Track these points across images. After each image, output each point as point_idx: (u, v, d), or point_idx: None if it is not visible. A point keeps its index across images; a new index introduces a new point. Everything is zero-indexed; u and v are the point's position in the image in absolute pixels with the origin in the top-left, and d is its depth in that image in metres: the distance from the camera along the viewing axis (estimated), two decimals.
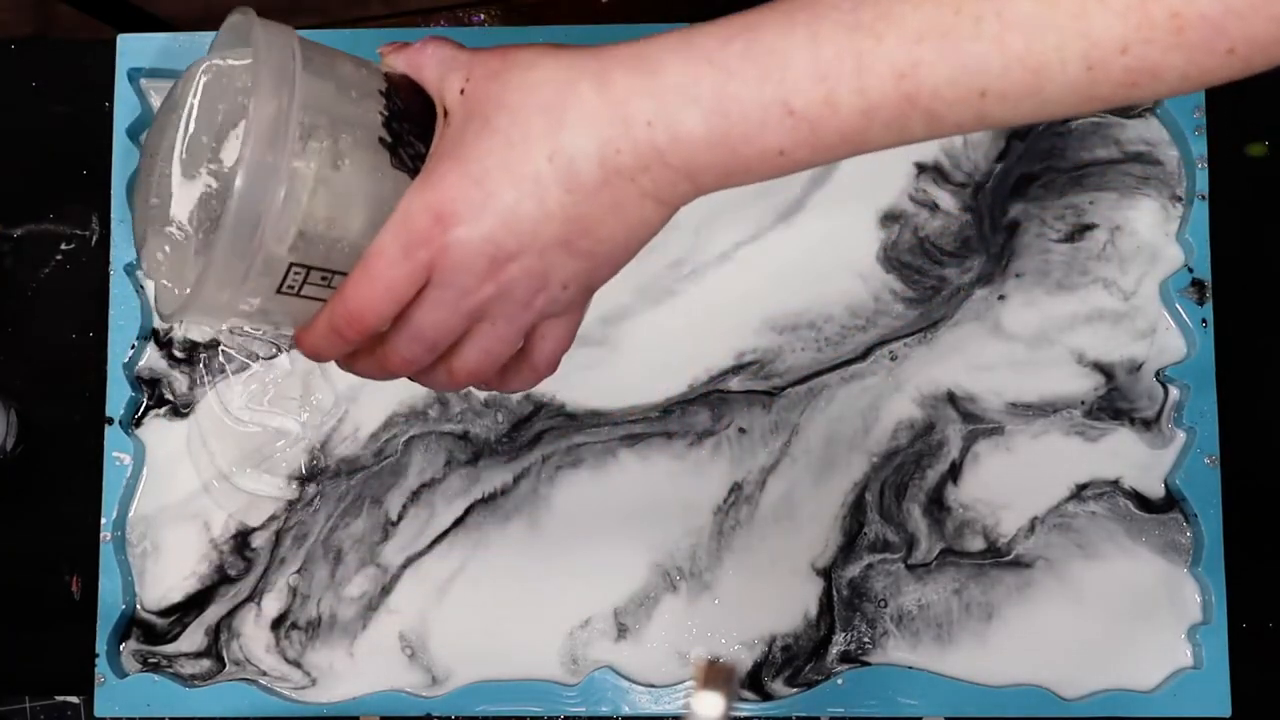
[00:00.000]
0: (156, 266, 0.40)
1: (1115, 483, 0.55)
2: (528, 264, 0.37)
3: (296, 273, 0.38)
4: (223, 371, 0.57)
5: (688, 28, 0.37)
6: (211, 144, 0.39)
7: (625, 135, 0.36)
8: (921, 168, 0.57)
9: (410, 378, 0.41)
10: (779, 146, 0.35)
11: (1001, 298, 0.56)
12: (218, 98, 0.40)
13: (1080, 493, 0.55)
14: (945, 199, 0.57)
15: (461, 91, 0.38)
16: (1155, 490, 0.55)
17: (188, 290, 0.38)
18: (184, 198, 0.40)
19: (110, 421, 0.56)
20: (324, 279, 0.38)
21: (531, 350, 0.41)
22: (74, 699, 0.57)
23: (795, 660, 0.55)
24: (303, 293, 0.38)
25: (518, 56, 0.38)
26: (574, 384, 0.56)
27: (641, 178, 0.36)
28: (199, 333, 0.57)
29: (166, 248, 0.40)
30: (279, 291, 0.38)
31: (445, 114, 0.38)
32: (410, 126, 0.39)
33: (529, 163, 0.36)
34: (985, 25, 0.33)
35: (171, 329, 0.57)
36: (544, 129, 0.36)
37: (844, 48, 0.34)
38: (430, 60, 0.39)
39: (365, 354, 0.40)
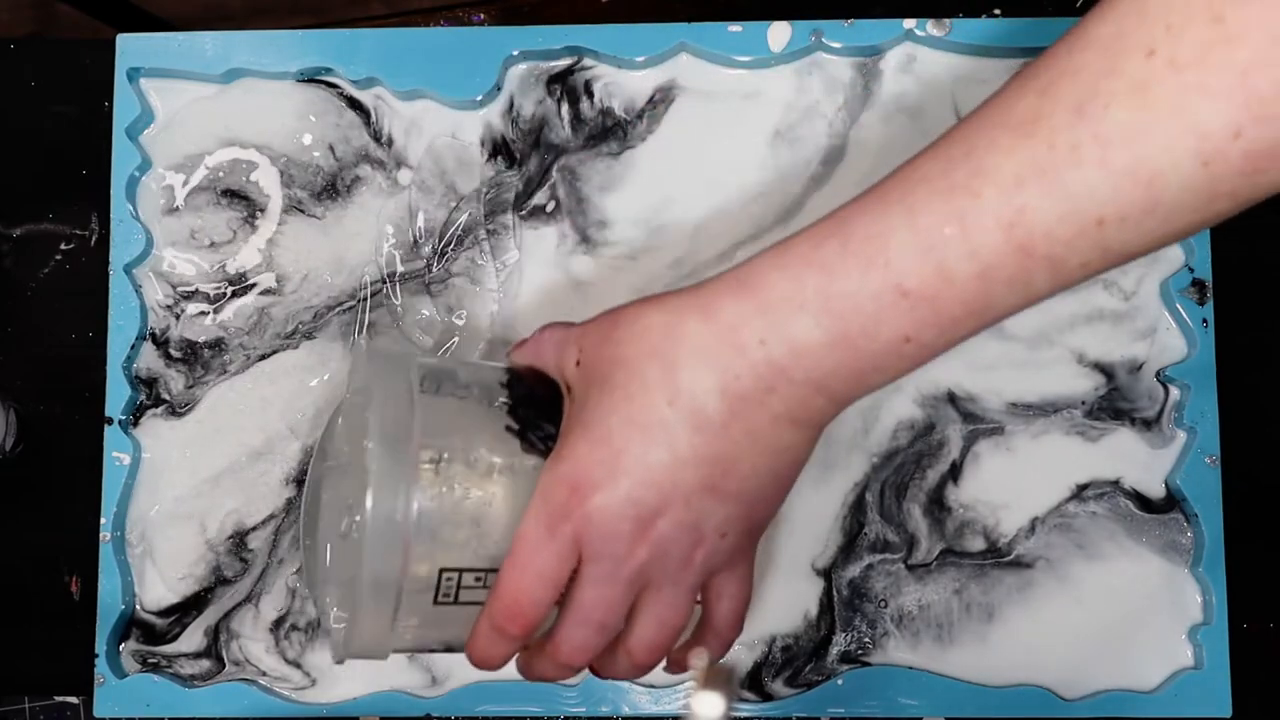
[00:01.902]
0: (331, 616, 0.41)
1: (1116, 483, 0.55)
2: (676, 517, 0.36)
3: (449, 578, 0.38)
4: (223, 371, 0.57)
5: (781, 241, 0.35)
6: (353, 482, 0.40)
7: (741, 360, 0.34)
8: None
9: (593, 671, 0.40)
10: (903, 334, 0.34)
11: None
12: (350, 435, 0.41)
13: (1080, 493, 0.55)
14: None
15: (578, 363, 0.38)
16: (1156, 490, 0.55)
17: (348, 624, 0.39)
18: (336, 538, 0.41)
19: (110, 421, 0.56)
20: (478, 579, 0.38)
21: (711, 614, 0.39)
22: (74, 699, 0.57)
23: (795, 660, 0.55)
24: (460, 599, 0.38)
25: (623, 314, 0.37)
26: None
27: (769, 400, 0.35)
28: (197, 332, 0.57)
29: (332, 593, 0.41)
30: (436, 603, 0.38)
31: (569, 390, 0.38)
32: (537, 411, 0.39)
33: (651, 411, 0.35)
34: (1084, 151, 0.31)
35: (169, 326, 0.57)
36: (659, 374, 0.35)
37: (943, 214, 0.32)
38: (547, 345, 0.40)
39: (538, 652, 0.39)
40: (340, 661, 0.40)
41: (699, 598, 0.39)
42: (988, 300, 0.33)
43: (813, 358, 0.34)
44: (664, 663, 0.41)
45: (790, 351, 0.34)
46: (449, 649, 0.41)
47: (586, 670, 0.54)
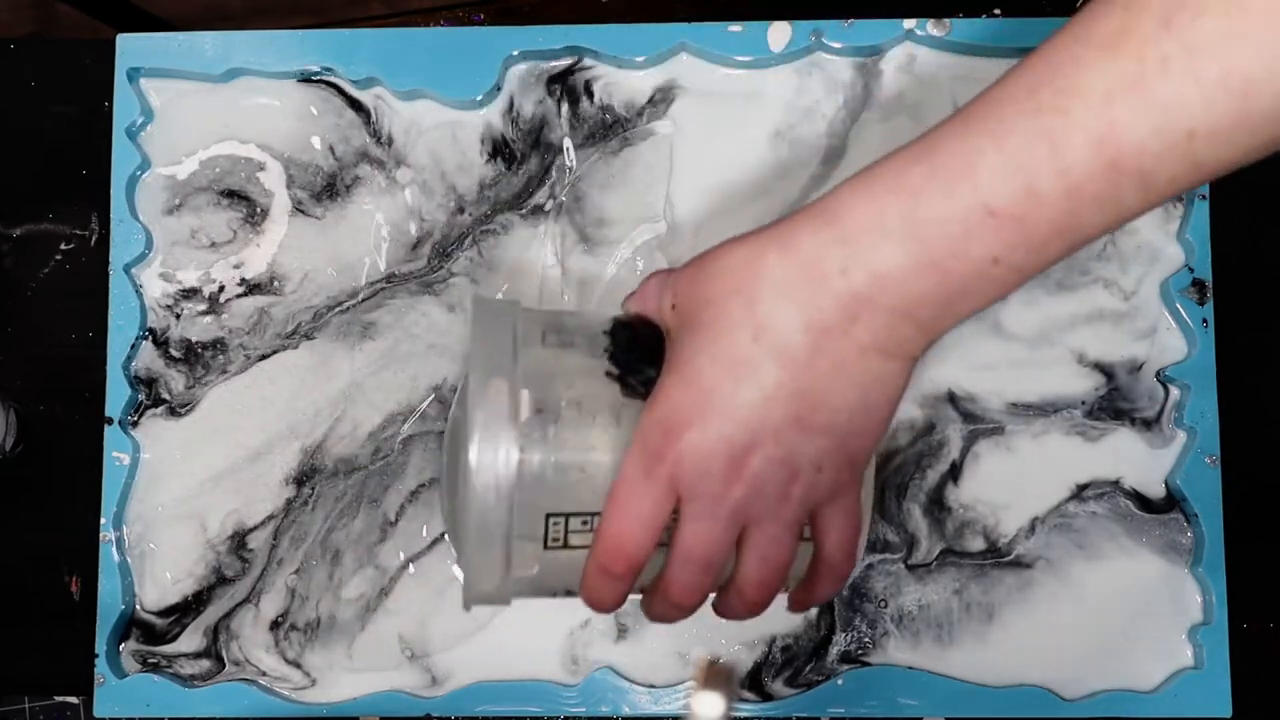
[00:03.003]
0: (458, 565, 0.42)
1: (1116, 483, 0.55)
2: (768, 453, 0.36)
3: (555, 523, 0.39)
4: (223, 371, 0.57)
5: (862, 170, 0.36)
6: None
7: (823, 292, 0.34)
8: None
9: (716, 612, 0.41)
10: (991, 255, 0.33)
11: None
12: (464, 390, 0.42)
13: (1081, 493, 0.55)
14: None
15: (673, 307, 0.38)
16: (1156, 490, 0.55)
17: (465, 573, 0.40)
18: (460, 491, 0.41)
19: (110, 421, 0.56)
20: (584, 524, 0.39)
21: (821, 548, 0.39)
22: (74, 699, 0.57)
23: (795, 660, 0.55)
24: (570, 543, 0.39)
25: (710, 254, 0.38)
26: None
27: (854, 331, 0.35)
28: (197, 332, 0.57)
29: (460, 544, 0.42)
30: (547, 548, 0.39)
31: (668, 333, 0.39)
32: (639, 356, 0.39)
33: (736, 348, 0.35)
34: (1173, 63, 0.31)
35: (169, 326, 0.57)
36: (742, 311, 0.35)
37: (1032, 133, 0.32)
38: (650, 292, 0.40)
39: (653, 594, 0.40)
40: (468, 609, 0.41)
41: (807, 534, 0.39)
42: (1076, 220, 0.33)
43: (897, 284, 0.34)
44: (785, 603, 0.41)
45: (873, 279, 0.34)
46: (569, 594, 0.41)
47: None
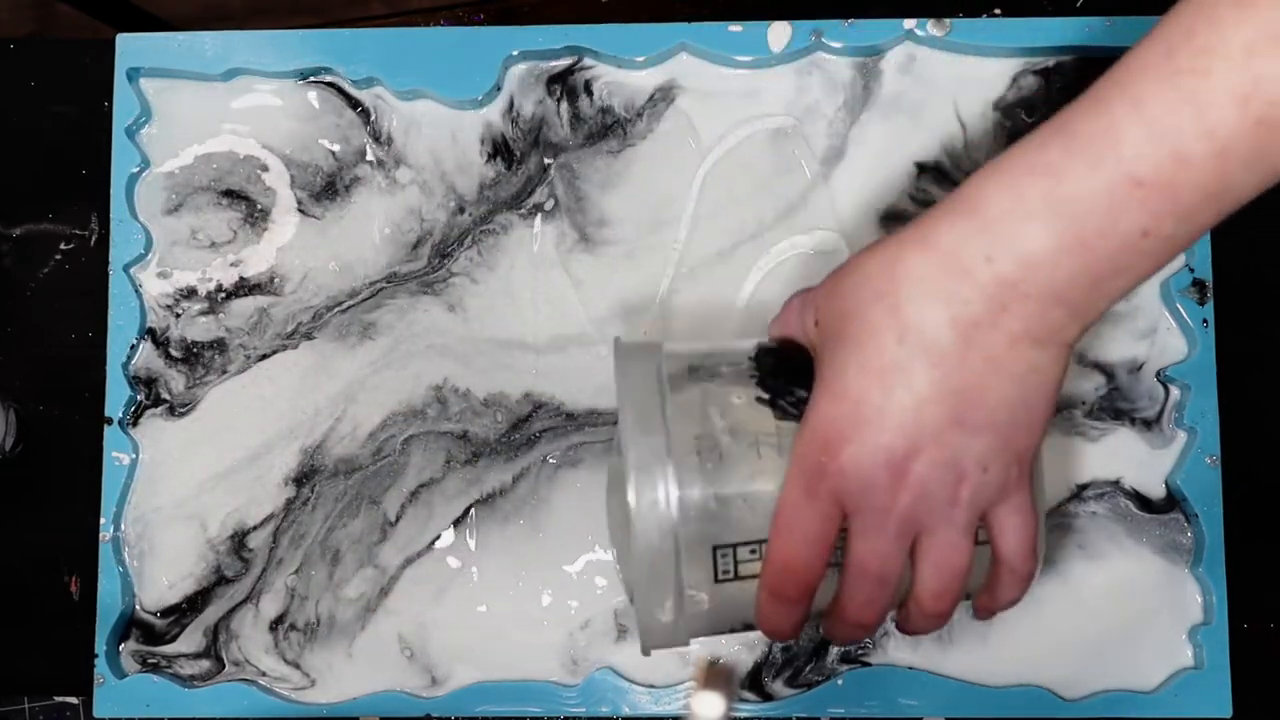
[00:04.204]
0: (635, 611, 0.42)
1: (1116, 483, 0.55)
2: (930, 457, 0.35)
3: (724, 555, 0.38)
4: (223, 371, 0.57)
5: (995, 159, 0.34)
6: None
7: (968, 283, 0.33)
8: (922, 168, 0.56)
9: (900, 629, 0.40)
10: (1140, 228, 0.32)
11: None
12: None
13: (1081, 493, 0.55)
14: None
15: (816, 323, 0.38)
16: (1156, 490, 0.55)
17: (639, 617, 0.40)
18: (625, 536, 0.42)
19: (110, 421, 0.56)
20: (752, 552, 0.38)
21: (999, 550, 0.38)
22: (73, 699, 0.57)
23: (795, 660, 0.55)
24: (740, 573, 0.39)
25: (847, 265, 0.37)
26: (574, 384, 0.56)
27: (1004, 321, 0.34)
28: (197, 331, 0.57)
29: (633, 589, 0.42)
30: (718, 581, 0.39)
31: (815, 351, 0.38)
32: (788, 379, 0.39)
33: (882, 354, 0.34)
34: None
35: (169, 326, 0.57)
36: (884, 315, 0.35)
37: (1173, 98, 0.31)
38: (792, 314, 0.40)
39: (829, 616, 0.39)
40: (646, 654, 0.41)
41: (982, 537, 0.38)
42: (1226, 182, 0.32)
43: (1045, 267, 0.33)
44: (970, 613, 0.40)
45: (1020, 264, 0.33)
46: (748, 627, 0.41)
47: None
